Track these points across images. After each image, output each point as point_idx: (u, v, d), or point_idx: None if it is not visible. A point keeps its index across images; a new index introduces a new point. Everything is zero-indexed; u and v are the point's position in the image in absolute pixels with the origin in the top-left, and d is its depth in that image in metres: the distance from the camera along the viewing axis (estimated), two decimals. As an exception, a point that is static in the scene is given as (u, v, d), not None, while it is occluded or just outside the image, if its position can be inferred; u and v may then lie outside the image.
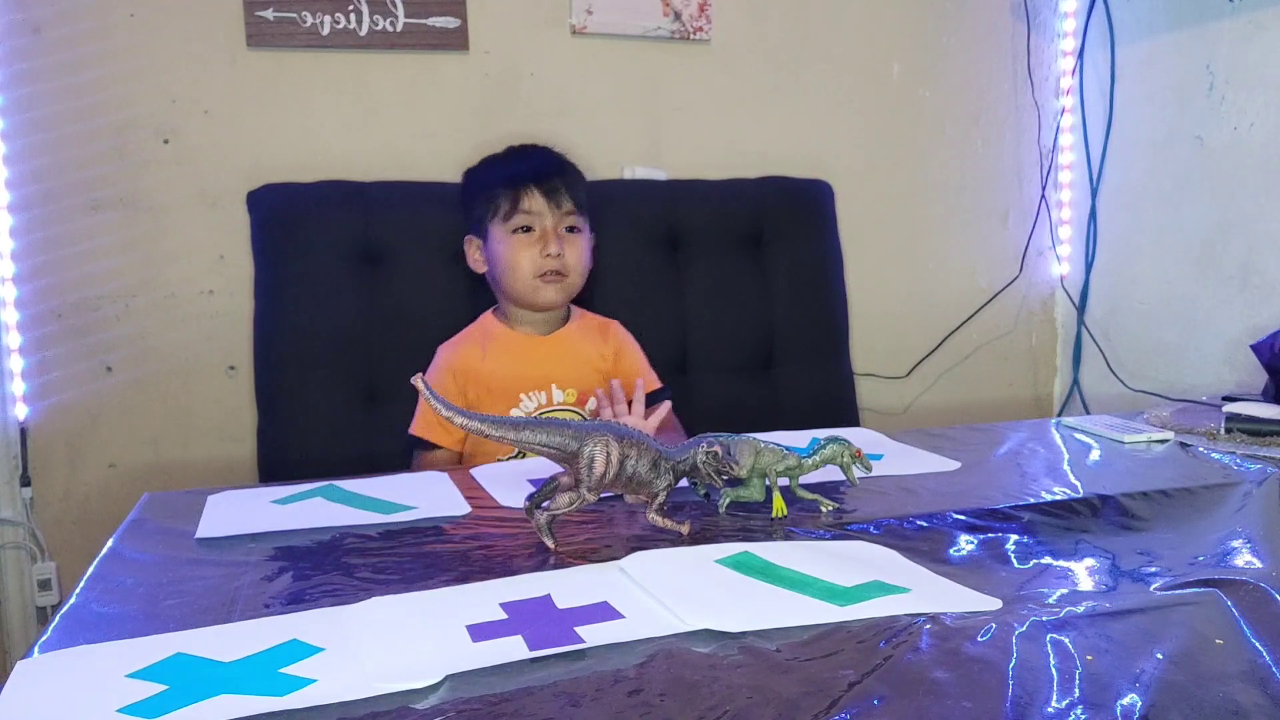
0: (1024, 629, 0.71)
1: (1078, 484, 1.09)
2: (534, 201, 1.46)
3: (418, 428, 1.47)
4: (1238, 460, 1.19)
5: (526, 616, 0.73)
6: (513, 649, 0.68)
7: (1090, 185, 2.18)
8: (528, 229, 1.47)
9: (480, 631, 0.71)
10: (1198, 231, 1.95)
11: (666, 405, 1.40)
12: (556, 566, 0.85)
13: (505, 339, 1.51)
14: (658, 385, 1.60)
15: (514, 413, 1.45)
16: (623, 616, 0.74)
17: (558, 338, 1.53)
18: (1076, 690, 0.62)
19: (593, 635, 0.70)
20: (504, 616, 0.74)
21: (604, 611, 0.74)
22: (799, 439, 1.07)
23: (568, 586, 0.79)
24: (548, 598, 0.77)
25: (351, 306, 1.64)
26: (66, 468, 1.71)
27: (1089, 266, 2.20)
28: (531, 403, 1.47)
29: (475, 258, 1.53)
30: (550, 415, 1.45)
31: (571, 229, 1.50)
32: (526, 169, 1.49)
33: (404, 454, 1.50)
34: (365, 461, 1.52)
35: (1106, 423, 1.39)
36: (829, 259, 1.92)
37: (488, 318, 1.55)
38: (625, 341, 1.59)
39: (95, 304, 1.70)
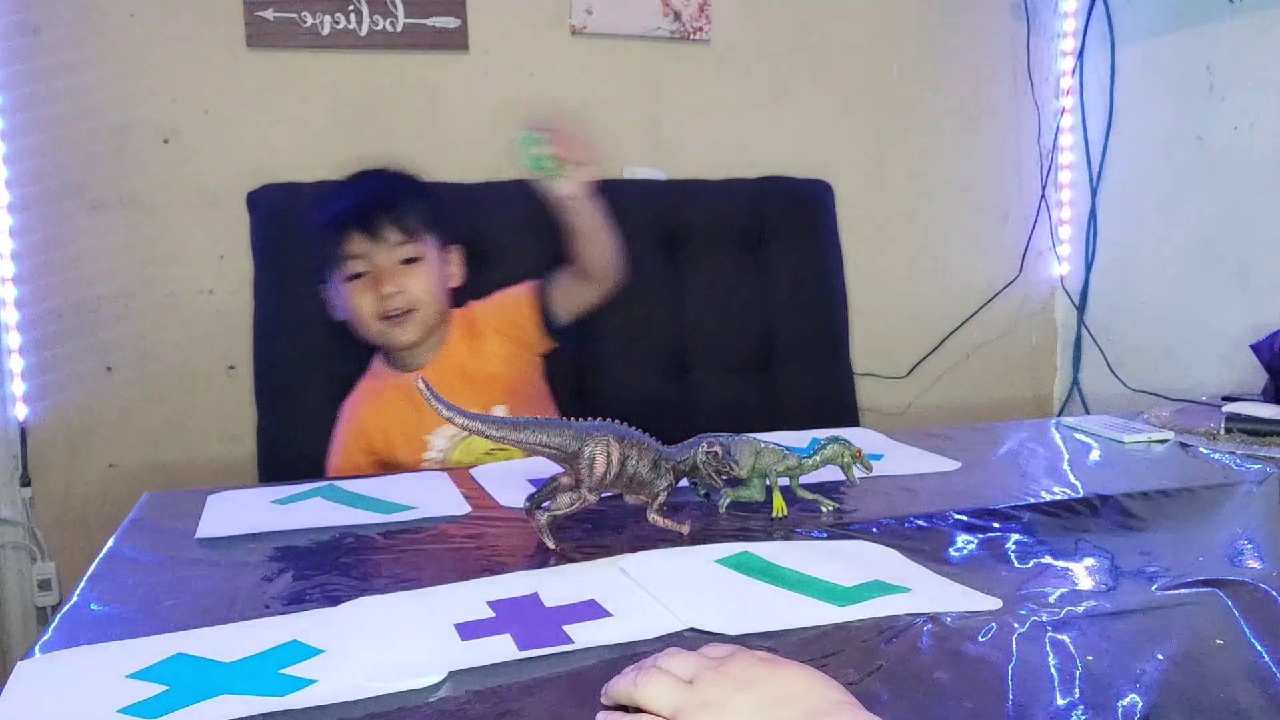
0: (1024, 629, 0.71)
1: (1078, 484, 1.09)
2: (358, 244, 1.36)
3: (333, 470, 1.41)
4: (1238, 460, 1.19)
5: (514, 615, 0.73)
6: (502, 648, 0.68)
7: (1090, 185, 2.17)
8: (360, 274, 1.36)
9: (468, 630, 0.71)
10: (1198, 231, 1.95)
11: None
12: (556, 567, 0.85)
13: (398, 383, 1.41)
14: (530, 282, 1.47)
15: (427, 456, 1.38)
16: (610, 615, 0.74)
17: (442, 363, 1.43)
18: (1077, 690, 0.62)
19: (581, 634, 0.70)
20: (491, 615, 0.74)
21: (591, 610, 0.74)
22: (799, 439, 1.07)
23: (555, 585, 0.79)
24: (535, 596, 0.77)
25: (351, 306, 1.64)
26: (66, 468, 1.70)
27: (1089, 266, 2.20)
28: (441, 439, 1.39)
29: (330, 305, 1.43)
30: (469, 442, 1.38)
31: (410, 260, 1.37)
32: (345, 210, 1.38)
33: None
34: (365, 461, 1.51)
35: (1106, 423, 1.38)
36: (829, 259, 1.92)
37: (379, 368, 1.46)
38: (496, 302, 1.48)
39: (95, 304, 1.70)
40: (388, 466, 1.39)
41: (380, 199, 1.39)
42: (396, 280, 1.36)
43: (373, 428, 1.40)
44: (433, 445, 1.39)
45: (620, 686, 0.56)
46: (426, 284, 1.39)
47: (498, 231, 1.72)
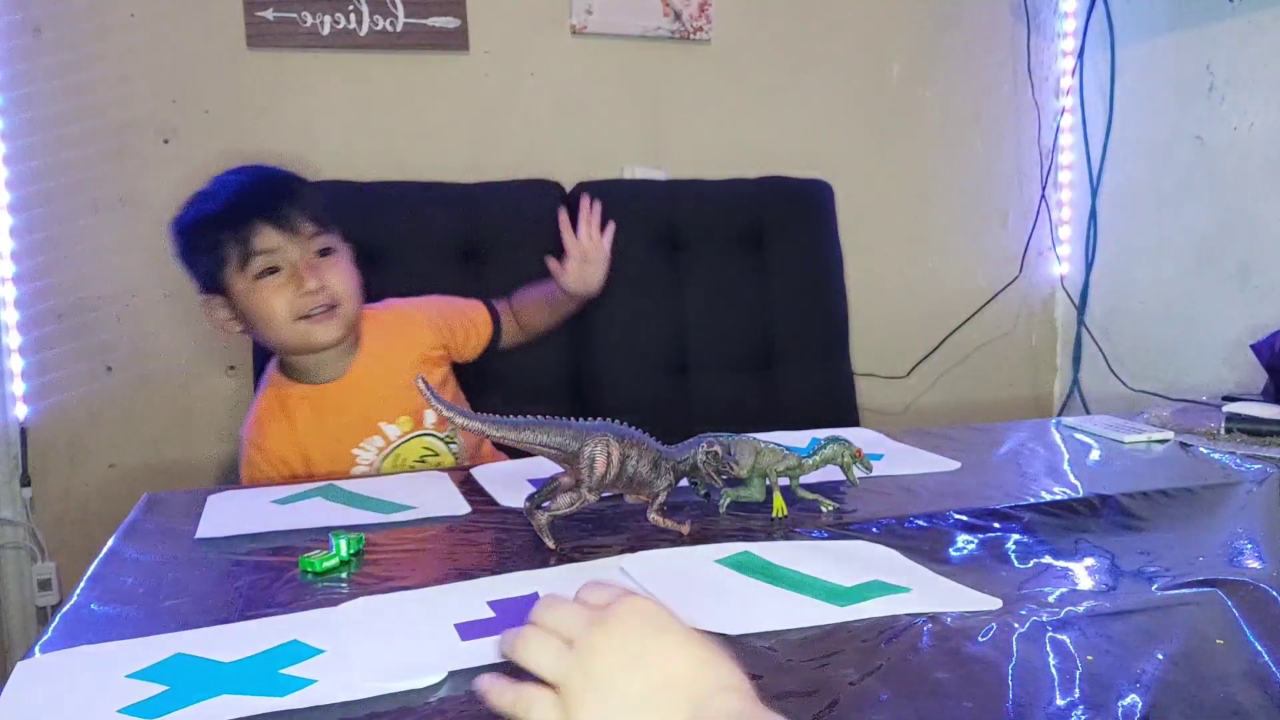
0: (1024, 629, 0.71)
1: (1078, 484, 1.09)
2: (268, 238, 1.23)
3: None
4: (1238, 460, 1.19)
5: (514, 615, 0.73)
6: (501, 648, 0.68)
7: (1090, 185, 2.17)
8: (273, 270, 1.24)
9: (469, 630, 0.71)
10: (1197, 231, 1.95)
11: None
12: (556, 567, 0.85)
13: (310, 398, 1.30)
14: (490, 330, 1.46)
15: (354, 471, 1.28)
16: None
17: (361, 368, 1.32)
18: (1077, 690, 0.62)
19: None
20: (491, 615, 0.74)
21: (592, 610, 0.74)
22: (799, 439, 1.07)
23: (555, 585, 0.79)
24: (535, 596, 0.77)
25: (351, 306, 1.64)
26: (66, 468, 1.70)
27: (1089, 266, 2.20)
28: (369, 453, 1.30)
29: (221, 318, 1.28)
30: (401, 450, 1.32)
31: (325, 252, 1.27)
32: (245, 203, 1.25)
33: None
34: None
35: (1106, 423, 1.38)
36: (829, 259, 1.92)
37: (278, 380, 1.33)
38: (438, 309, 1.42)
39: (95, 304, 1.70)
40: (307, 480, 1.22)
41: (282, 188, 1.28)
42: (318, 274, 1.24)
43: (287, 450, 1.28)
44: (360, 460, 1.30)
45: (502, 644, 0.55)
46: (345, 278, 1.28)
47: (496, 232, 1.72)
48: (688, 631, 0.53)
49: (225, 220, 1.23)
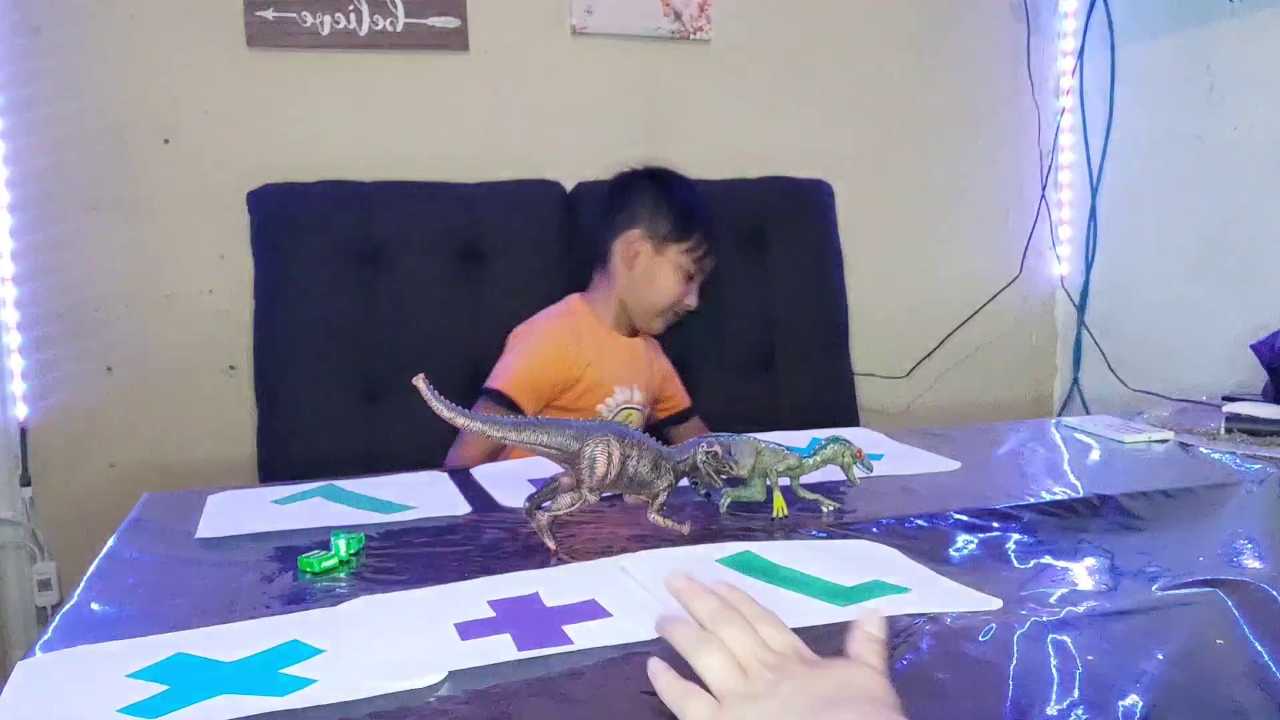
0: (1025, 629, 0.70)
1: (1078, 484, 1.09)
2: (710, 265, 1.58)
3: (508, 386, 1.46)
4: (1238, 460, 1.19)
5: (514, 615, 0.73)
6: (501, 648, 0.68)
7: (1090, 185, 2.17)
8: (692, 277, 1.57)
9: (468, 630, 0.71)
10: (1198, 231, 1.95)
11: None
12: (556, 567, 0.85)
13: (599, 332, 1.56)
14: (688, 403, 1.70)
15: (605, 403, 1.53)
16: (610, 615, 0.74)
17: (637, 342, 1.61)
18: (1077, 691, 0.62)
19: (581, 634, 0.70)
20: (492, 615, 0.74)
21: (591, 610, 0.74)
22: (799, 439, 1.07)
23: (556, 585, 0.79)
24: (535, 596, 0.77)
25: (351, 306, 1.64)
26: (66, 468, 1.70)
27: (1089, 266, 2.20)
28: (623, 395, 1.54)
29: (631, 254, 1.54)
30: (627, 410, 1.56)
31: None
32: (719, 236, 1.60)
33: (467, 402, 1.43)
34: (365, 461, 1.51)
35: (1106, 423, 1.38)
36: (829, 259, 1.92)
37: (580, 306, 1.58)
38: (673, 369, 1.69)
39: (95, 304, 1.70)
40: (570, 386, 1.49)
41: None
42: (700, 299, 1.59)
43: (574, 351, 1.51)
44: (617, 395, 1.53)
45: (682, 638, 0.59)
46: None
47: (496, 232, 1.72)
48: (857, 665, 0.57)
49: (710, 229, 1.58)
